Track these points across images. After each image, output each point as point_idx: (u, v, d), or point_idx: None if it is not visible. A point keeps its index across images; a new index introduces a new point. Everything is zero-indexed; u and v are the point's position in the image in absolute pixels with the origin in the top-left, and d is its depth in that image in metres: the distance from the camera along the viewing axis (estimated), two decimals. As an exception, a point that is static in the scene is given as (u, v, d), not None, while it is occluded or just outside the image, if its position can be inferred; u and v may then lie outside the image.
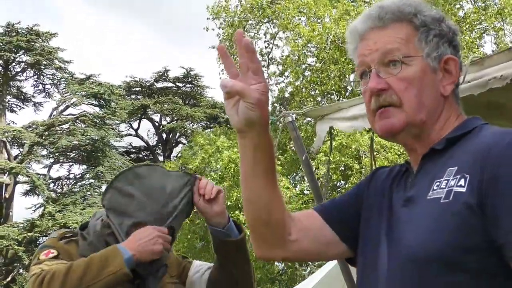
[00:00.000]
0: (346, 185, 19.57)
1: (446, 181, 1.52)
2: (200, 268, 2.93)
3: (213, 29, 23.02)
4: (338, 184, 20.21)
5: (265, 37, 23.11)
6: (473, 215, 1.45)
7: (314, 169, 18.48)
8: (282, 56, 22.38)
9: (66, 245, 2.71)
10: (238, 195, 19.38)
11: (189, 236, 21.45)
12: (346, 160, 18.52)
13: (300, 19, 21.16)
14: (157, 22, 62.76)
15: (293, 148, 19.39)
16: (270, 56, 23.12)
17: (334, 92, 19.97)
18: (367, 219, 1.78)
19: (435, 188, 1.54)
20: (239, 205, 19.64)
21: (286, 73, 22.39)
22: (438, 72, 1.68)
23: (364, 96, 1.72)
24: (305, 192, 21.53)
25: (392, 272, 1.58)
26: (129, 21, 61.61)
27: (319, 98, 21.59)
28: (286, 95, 22.72)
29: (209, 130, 29.92)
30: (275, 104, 23.54)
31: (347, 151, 18.38)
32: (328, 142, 5.72)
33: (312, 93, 21.63)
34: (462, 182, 1.49)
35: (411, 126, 1.66)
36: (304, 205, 19.65)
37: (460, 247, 1.46)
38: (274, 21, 21.75)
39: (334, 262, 6.34)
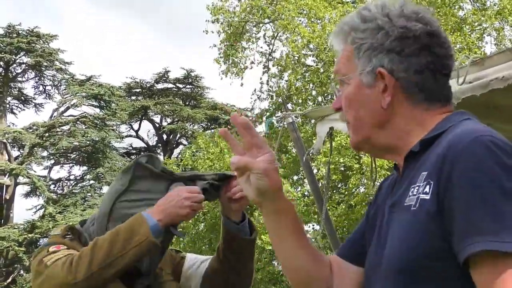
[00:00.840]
0: (347, 186, 19.56)
1: (418, 187, 1.53)
2: (195, 261, 2.90)
3: (212, 32, 22.96)
4: (339, 185, 20.18)
5: (265, 39, 23.08)
6: (434, 222, 1.45)
7: (316, 171, 18.64)
8: (282, 56, 22.35)
9: (70, 242, 2.65)
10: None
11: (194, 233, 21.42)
12: (346, 161, 18.50)
13: (300, 20, 21.16)
14: (157, 22, 62.85)
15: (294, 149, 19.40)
16: (270, 56, 23.09)
17: (333, 93, 19.98)
18: (372, 226, 1.79)
19: (410, 194, 1.56)
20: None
21: (286, 73, 22.35)
22: (375, 85, 1.66)
23: None
24: (305, 193, 21.53)
25: (379, 281, 1.61)
26: (129, 22, 61.70)
27: (319, 98, 21.59)
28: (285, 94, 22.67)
29: (209, 131, 29.89)
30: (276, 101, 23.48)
31: (346, 152, 18.36)
32: (328, 143, 5.68)
33: (314, 92, 21.63)
34: (427, 188, 1.49)
35: (361, 143, 1.73)
36: (305, 207, 19.65)
37: (426, 256, 1.46)
38: (274, 21, 21.72)
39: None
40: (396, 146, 1.69)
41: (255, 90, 23.70)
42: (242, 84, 23.41)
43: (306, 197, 20.70)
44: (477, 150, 1.43)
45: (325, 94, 21.01)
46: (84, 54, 54.30)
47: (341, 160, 18.38)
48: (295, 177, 22.59)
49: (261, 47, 23.39)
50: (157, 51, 56.16)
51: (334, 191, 20.14)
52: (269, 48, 23.11)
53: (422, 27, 1.66)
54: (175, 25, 63.17)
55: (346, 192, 19.56)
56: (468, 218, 1.39)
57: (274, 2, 21.25)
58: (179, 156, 29.52)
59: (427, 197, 1.48)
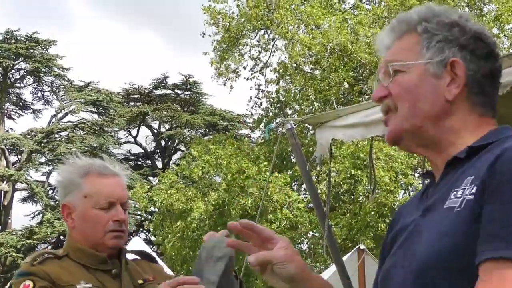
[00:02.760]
0: (353, 195, 19.56)
1: (462, 190, 1.52)
2: None
3: (209, 35, 22.91)
4: (346, 193, 20.14)
5: (262, 44, 23.06)
6: (475, 222, 1.45)
7: (322, 178, 18.56)
8: (280, 63, 22.35)
9: (41, 266, 2.60)
10: (243, 205, 19.18)
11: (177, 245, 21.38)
12: (353, 170, 18.51)
13: (299, 27, 21.16)
14: (156, 28, 62.88)
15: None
16: (267, 62, 23.09)
17: (334, 100, 19.97)
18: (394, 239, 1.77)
19: (452, 197, 1.54)
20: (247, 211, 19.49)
21: (284, 79, 22.37)
22: (442, 76, 1.64)
23: None
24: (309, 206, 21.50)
25: (405, 280, 1.59)
26: (129, 28, 61.73)
27: (318, 105, 21.58)
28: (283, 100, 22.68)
29: (207, 137, 29.88)
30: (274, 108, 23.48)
31: (351, 161, 18.38)
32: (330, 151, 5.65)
33: (313, 98, 21.63)
34: (474, 190, 1.48)
35: (407, 132, 1.67)
36: (309, 213, 19.59)
37: (465, 253, 1.46)
38: (272, 28, 21.70)
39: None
40: (441, 143, 1.66)
41: (251, 98, 23.75)
42: (231, 87, 23.29)
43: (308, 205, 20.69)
44: None
45: (324, 101, 21.00)
46: (83, 61, 54.36)
47: (352, 172, 18.38)
48: (295, 185, 22.59)
49: (259, 54, 23.34)
50: (156, 56, 56.18)
51: (339, 200, 20.13)
52: (267, 55, 23.13)
53: (489, 35, 1.71)
54: (174, 32, 63.23)
55: (352, 201, 19.54)
56: (493, 227, 1.42)
57: (272, 10, 21.24)
58: (176, 163, 29.50)
59: (471, 197, 1.48)
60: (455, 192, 1.54)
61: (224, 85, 23.26)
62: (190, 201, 20.88)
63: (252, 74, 23.17)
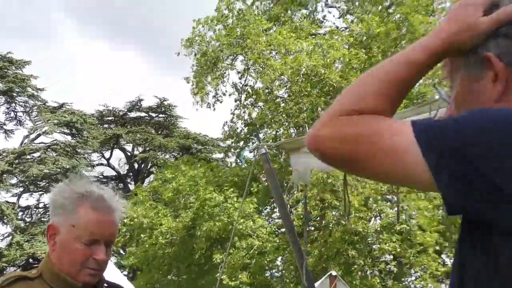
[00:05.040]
0: (323, 220, 19.60)
1: None
2: None
3: (185, 55, 23.13)
4: (316, 218, 20.19)
5: (238, 69, 23.29)
6: None
7: (291, 203, 18.59)
8: (254, 88, 22.58)
9: None
10: (211, 228, 19.23)
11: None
12: (324, 196, 18.56)
13: (271, 53, 21.31)
14: (131, 49, 62.86)
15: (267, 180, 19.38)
16: (243, 87, 23.24)
17: (306, 125, 20.04)
18: None
19: None
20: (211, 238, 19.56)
21: (259, 104, 22.51)
22: (484, 76, 1.44)
23: None
24: (278, 230, 21.48)
25: None
26: (104, 49, 61.58)
27: (291, 130, 21.66)
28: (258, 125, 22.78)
29: (180, 160, 29.90)
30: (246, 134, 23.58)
31: (322, 187, 18.41)
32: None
33: (285, 124, 21.70)
34: None
35: None
36: (277, 238, 19.61)
37: None
38: (246, 54, 21.89)
39: None
40: None
41: (226, 122, 23.84)
42: (214, 109, 23.53)
43: (278, 230, 20.69)
44: None
45: (296, 126, 21.07)
46: (57, 82, 54.13)
47: (327, 196, 18.45)
48: (267, 208, 22.59)
49: (234, 79, 23.63)
50: (133, 78, 56.12)
51: (311, 227, 20.18)
52: (242, 80, 23.28)
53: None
54: (150, 54, 63.28)
55: (323, 227, 19.58)
56: None
57: (245, 36, 21.41)
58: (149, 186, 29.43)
59: None
60: None
61: (201, 106, 23.45)
62: (159, 217, 21.00)
63: (228, 97, 23.44)
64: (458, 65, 1.49)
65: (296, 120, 20.66)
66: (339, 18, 24.10)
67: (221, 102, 23.52)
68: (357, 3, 23.53)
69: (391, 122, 1.38)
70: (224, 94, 23.49)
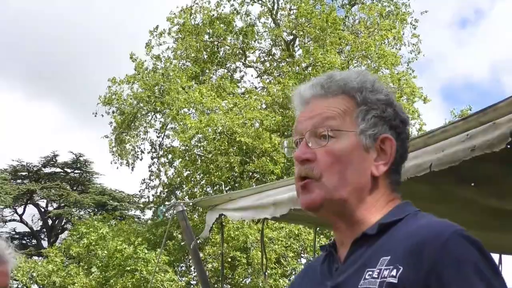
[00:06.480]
0: (234, 276, 19.58)
1: (378, 271, 1.47)
2: None
3: (102, 115, 23.08)
4: (228, 276, 20.18)
5: (155, 128, 23.37)
6: None
7: (203, 258, 18.56)
8: (171, 146, 22.68)
9: None
10: (124, 284, 19.01)
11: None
12: (234, 253, 18.64)
13: (189, 110, 21.51)
14: (46, 105, 61.82)
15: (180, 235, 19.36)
16: (160, 145, 23.32)
17: (222, 183, 20.21)
18: None
19: (367, 277, 1.48)
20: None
21: (176, 163, 22.57)
22: (371, 151, 1.62)
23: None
24: (192, 282, 21.37)
25: None
26: (19, 102, 60.40)
27: (208, 189, 21.74)
28: (175, 183, 22.79)
29: (96, 216, 29.45)
30: (165, 191, 23.53)
31: (234, 243, 18.49)
32: (219, 233, 5.77)
33: (202, 182, 21.79)
34: (394, 272, 1.44)
35: (330, 203, 1.60)
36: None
37: None
38: (165, 111, 22.01)
39: None
40: (357, 216, 1.61)
41: (144, 179, 23.80)
42: (133, 168, 23.46)
43: (192, 286, 20.58)
44: (463, 247, 1.45)
45: (214, 184, 21.18)
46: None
47: (228, 251, 18.51)
48: (182, 266, 22.45)
49: (151, 137, 23.66)
50: (46, 135, 55.02)
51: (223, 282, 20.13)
52: (159, 138, 23.38)
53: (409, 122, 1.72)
54: (65, 110, 62.37)
55: (233, 282, 19.59)
56: None
57: (164, 93, 21.57)
58: (62, 242, 28.79)
59: (395, 280, 1.43)
60: (370, 272, 1.49)
61: (120, 165, 23.33)
62: (70, 275, 20.56)
63: (147, 154, 23.43)
64: (351, 125, 1.65)
65: (212, 178, 20.78)
66: (257, 77, 24.57)
67: (141, 159, 23.51)
68: (275, 64, 24.06)
69: None
70: (143, 152, 23.53)
